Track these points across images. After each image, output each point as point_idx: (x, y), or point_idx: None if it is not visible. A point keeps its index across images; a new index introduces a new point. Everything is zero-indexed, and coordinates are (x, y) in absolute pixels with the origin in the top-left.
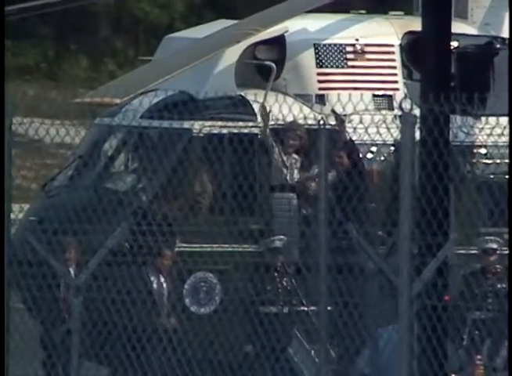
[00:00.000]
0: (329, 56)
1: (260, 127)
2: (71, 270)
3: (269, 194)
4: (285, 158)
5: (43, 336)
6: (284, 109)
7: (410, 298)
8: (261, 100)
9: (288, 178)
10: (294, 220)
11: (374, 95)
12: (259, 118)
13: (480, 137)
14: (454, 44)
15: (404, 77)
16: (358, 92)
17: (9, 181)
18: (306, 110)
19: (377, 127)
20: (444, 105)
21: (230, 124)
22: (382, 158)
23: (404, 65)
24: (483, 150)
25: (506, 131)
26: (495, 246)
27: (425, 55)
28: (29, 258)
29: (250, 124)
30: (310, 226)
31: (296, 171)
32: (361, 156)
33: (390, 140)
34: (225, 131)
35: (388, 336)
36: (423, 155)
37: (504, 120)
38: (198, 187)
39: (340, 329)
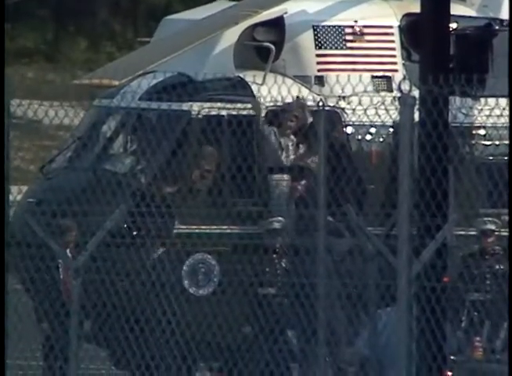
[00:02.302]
0: (328, 37)
1: (257, 109)
2: (68, 252)
3: (268, 176)
4: (282, 140)
5: (41, 317)
6: (283, 90)
7: (409, 279)
8: (259, 82)
9: (285, 160)
10: (292, 202)
11: (373, 77)
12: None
13: (479, 118)
14: (453, 25)
15: (403, 59)
16: (357, 74)
17: (7, 163)
18: (305, 91)
19: (376, 108)
20: (443, 86)
21: (229, 105)
22: (381, 140)
23: (403, 46)
24: (482, 132)
25: (506, 113)
26: (493, 227)
27: (424, 36)
28: (27, 240)
29: (249, 105)
30: (303, 208)
31: (291, 153)
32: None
33: (389, 122)
34: (223, 112)
35: (387, 317)
36: (422, 136)
37: (503, 101)
38: (205, 169)
39: (338, 310)
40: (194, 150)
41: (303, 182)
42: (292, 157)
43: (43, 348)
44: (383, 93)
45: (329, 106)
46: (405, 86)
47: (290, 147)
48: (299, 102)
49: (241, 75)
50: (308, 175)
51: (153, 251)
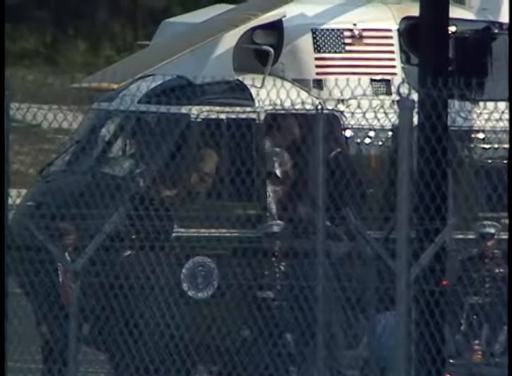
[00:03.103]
0: (326, 40)
1: (257, 111)
2: (67, 255)
3: (267, 180)
4: (277, 150)
5: (40, 321)
6: (282, 93)
7: (408, 282)
8: (258, 85)
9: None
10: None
11: (372, 80)
12: (257, 103)
13: (478, 122)
14: (452, 29)
15: (402, 62)
16: (356, 77)
17: (6, 166)
18: (304, 94)
19: (375, 112)
20: (442, 90)
21: (228, 109)
22: (380, 143)
23: (402, 50)
24: (481, 135)
25: (504, 116)
26: (492, 231)
27: (423, 40)
28: (27, 243)
29: (248, 109)
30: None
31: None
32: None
33: (388, 125)
34: (222, 116)
35: (386, 321)
36: (421, 140)
37: (502, 105)
38: (204, 172)
39: (337, 314)
40: (193, 153)
41: (280, 186)
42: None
43: (42, 351)
44: (382, 96)
45: (327, 109)
46: (404, 89)
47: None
48: (288, 121)
49: (240, 78)
50: (286, 180)
51: (122, 251)
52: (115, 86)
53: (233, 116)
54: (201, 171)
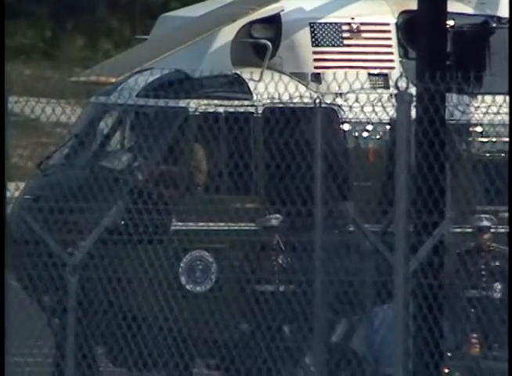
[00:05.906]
0: (324, 34)
1: (255, 105)
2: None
3: (265, 173)
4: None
5: (49, 316)
6: (280, 87)
7: (406, 276)
8: (256, 79)
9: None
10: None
11: (370, 74)
12: (255, 97)
13: (476, 115)
14: (450, 23)
15: (400, 56)
16: (354, 71)
17: (4, 160)
18: (302, 88)
19: (373, 105)
20: (440, 83)
21: (226, 102)
22: (378, 137)
23: (400, 44)
24: (479, 129)
25: (502, 110)
26: (489, 224)
27: (421, 34)
28: (25, 237)
29: (246, 102)
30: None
31: None
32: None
33: (386, 119)
34: (220, 109)
35: (384, 315)
36: (419, 134)
37: (500, 98)
38: (194, 166)
39: (335, 307)
40: (190, 146)
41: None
42: None
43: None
44: (380, 90)
45: (325, 103)
46: (402, 83)
47: None
48: None
49: (238, 72)
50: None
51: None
52: (113, 80)
53: (231, 109)
54: (196, 166)
